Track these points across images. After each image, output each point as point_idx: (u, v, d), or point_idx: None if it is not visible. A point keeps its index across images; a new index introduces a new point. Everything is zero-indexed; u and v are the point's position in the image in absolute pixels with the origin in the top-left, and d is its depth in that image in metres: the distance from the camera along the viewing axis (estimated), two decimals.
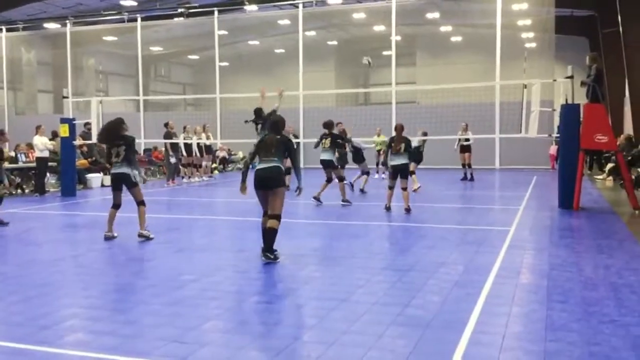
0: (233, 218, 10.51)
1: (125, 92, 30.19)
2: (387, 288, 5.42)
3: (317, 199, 11.54)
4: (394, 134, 10.66)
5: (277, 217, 6.47)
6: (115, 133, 8.14)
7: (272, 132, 6.81)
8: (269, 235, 6.46)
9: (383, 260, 6.82)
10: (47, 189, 14.98)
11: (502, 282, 5.52)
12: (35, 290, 5.54)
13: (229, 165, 24.10)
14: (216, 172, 22.06)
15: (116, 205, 8.16)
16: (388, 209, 10.51)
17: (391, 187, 10.55)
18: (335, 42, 30.12)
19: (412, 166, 12.40)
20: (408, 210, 10.29)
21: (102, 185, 16.52)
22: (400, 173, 10.41)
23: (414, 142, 12.94)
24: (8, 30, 24.62)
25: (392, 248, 7.75)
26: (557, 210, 10.55)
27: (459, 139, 16.72)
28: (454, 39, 27.27)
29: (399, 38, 24.03)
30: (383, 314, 4.56)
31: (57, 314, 4.77)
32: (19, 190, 15.21)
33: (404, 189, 10.46)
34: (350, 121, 21.28)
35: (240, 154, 24.34)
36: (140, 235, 7.96)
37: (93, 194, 14.92)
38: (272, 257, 6.44)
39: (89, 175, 16.51)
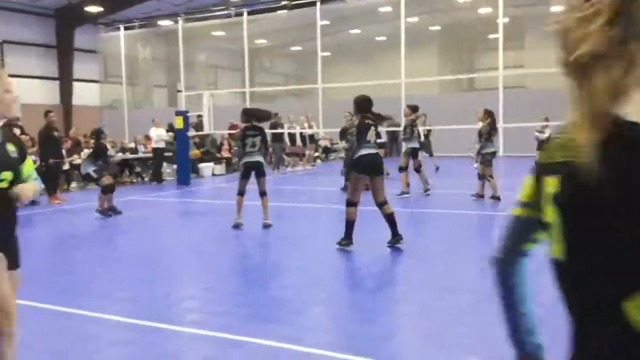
0: (335, 207, 10.67)
1: (233, 84, 31.37)
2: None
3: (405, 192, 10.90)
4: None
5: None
6: (259, 121, 8.52)
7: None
8: (392, 220, 6.52)
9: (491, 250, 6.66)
10: (164, 178, 15.99)
11: None
12: (158, 272, 5.99)
13: (331, 155, 24.41)
14: (319, 161, 22.44)
15: (241, 193, 8.38)
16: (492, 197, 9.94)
17: (492, 177, 10.06)
18: (438, 28, 29.47)
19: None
20: (496, 198, 9.83)
21: (213, 174, 17.38)
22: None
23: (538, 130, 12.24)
24: (126, 28, 26.32)
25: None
26: None
27: (537, 131, 16.01)
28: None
29: (506, 20, 23.06)
30: (495, 307, 4.48)
31: (178, 294, 5.14)
32: (139, 179, 16.36)
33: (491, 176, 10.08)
34: (453, 108, 20.81)
35: (342, 144, 24.58)
36: (265, 225, 8.19)
37: (205, 182, 15.73)
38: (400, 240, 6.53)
39: (201, 165, 17.40)
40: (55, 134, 11.79)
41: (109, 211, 9.86)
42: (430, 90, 25.24)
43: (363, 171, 6.49)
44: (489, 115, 10.31)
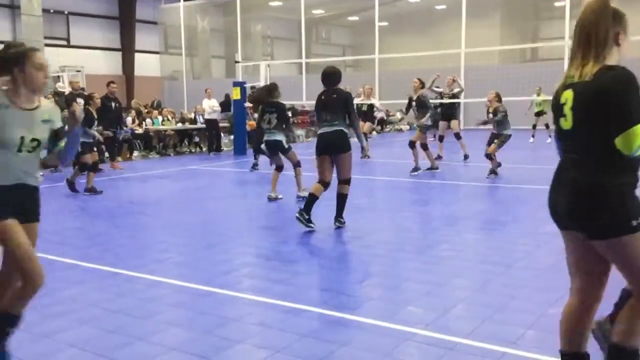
0: (388, 178, 10.57)
1: (289, 55, 31.35)
2: (556, 256, 5.14)
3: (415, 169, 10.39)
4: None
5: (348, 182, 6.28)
6: (265, 98, 8.35)
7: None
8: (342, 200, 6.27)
9: (549, 225, 6.46)
10: (222, 148, 16.23)
11: None
12: (216, 239, 6.11)
13: (387, 126, 24.16)
14: (374, 132, 22.24)
15: (279, 167, 8.35)
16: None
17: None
18: None
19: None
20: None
21: None
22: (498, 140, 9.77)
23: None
24: (185, 0, 26.62)
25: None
26: None
27: None
28: None
29: None
30: (553, 281, 4.35)
31: (236, 261, 5.23)
32: (198, 149, 16.68)
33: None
34: (514, 79, 20.10)
35: (399, 115, 24.24)
36: (299, 197, 8.04)
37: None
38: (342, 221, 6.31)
39: None
40: (113, 104, 12.03)
41: (88, 191, 9.12)
42: (491, 61, 24.46)
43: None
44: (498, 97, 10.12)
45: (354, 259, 5.24)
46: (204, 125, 16.24)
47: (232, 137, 16.32)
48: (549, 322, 3.59)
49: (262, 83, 15.38)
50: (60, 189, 9.51)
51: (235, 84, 15.55)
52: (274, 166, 8.51)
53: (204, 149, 16.49)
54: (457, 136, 12.34)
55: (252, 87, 17.96)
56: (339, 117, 6.15)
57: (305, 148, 16.93)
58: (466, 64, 22.71)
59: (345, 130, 6.18)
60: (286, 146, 8.26)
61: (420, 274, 4.74)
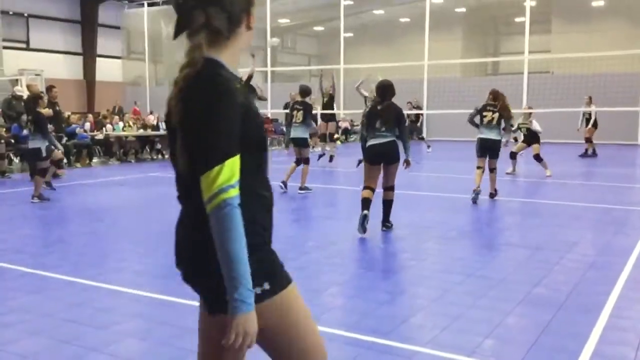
0: (352, 188, 10.60)
1: (255, 63, 31.28)
2: (516, 265, 5.25)
3: (284, 184, 9.59)
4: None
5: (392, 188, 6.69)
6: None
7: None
8: (387, 206, 6.66)
9: (511, 237, 6.60)
10: None
11: None
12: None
13: (352, 136, 24.30)
14: (339, 142, 22.33)
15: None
16: (476, 194, 8.42)
17: (479, 167, 8.66)
18: (463, 9, 28.99)
19: (535, 149, 11.60)
20: (493, 195, 8.68)
21: None
22: (490, 152, 8.60)
23: (520, 119, 11.95)
24: (149, 4, 26.32)
25: (516, 225, 7.45)
26: None
27: (583, 114, 15.69)
28: (595, 3, 25.17)
29: (533, 3, 22.59)
30: (512, 292, 4.43)
31: None
32: (160, 156, 16.45)
33: (492, 170, 8.64)
34: (476, 92, 20.53)
35: None
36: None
37: None
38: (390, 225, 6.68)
39: None
40: (56, 109, 11.64)
41: (47, 186, 9.61)
42: (454, 74, 24.91)
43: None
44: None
45: (315, 268, 5.23)
46: (166, 132, 15.99)
47: None
48: (507, 331, 3.65)
49: None
50: (17, 195, 9.24)
51: None
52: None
53: (167, 156, 16.26)
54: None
55: None
56: (393, 128, 6.44)
57: (277, 156, 16.87)
58: (429, 76, 23.08)
59: (397, 142, 6.51)
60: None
61: (380, 282, 4.77)
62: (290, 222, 7.36)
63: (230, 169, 1.53)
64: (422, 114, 21.54)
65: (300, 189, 9.51)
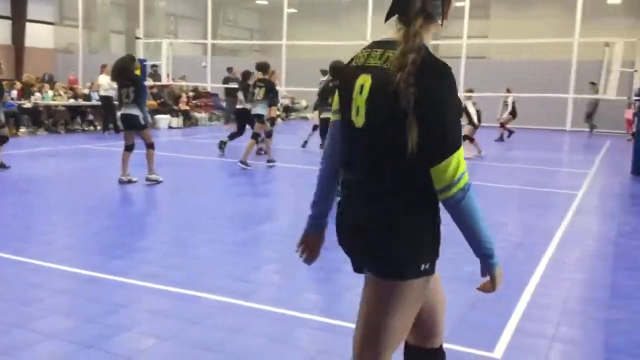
0: (294, 166, 10.61)
1: (194, 35, 30.49)
2: (446, 244, 5.39)
3: (244, 163, 9.57)
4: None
5: None
6: (125, 72, 7.92)
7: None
8: None
9: (444, 218, 6.77)
10: (120, 127, 15.45)
11: (566, 247, 5.39)
12: (109, 222, 5.84)
13: (292, 114, 24.19)
14: (279, 119, 22.21)
15: (128, 147, 7.94)
16: None
17: None
18: None
19: (467, 130, 11.90)
20: None
21: (170, 127, 17.02)
22: None
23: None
24: None
25: None
26: (629, 177, 10.11)
27: (503, 102, 16.25)
28: None
29: None
30: (442, 269, 4.54)
31: (130, 246, 5.03)
32: (92, 127, 15.85)
33: None
34: None
35: (304, 102, 24.35)
36: (147, 179, 7.83)
37: (161, 134, 15.35)
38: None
39: (157, 116, 16.96)
40: None
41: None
42: None
43: None
44: None
45: (253, 244, 5.20)
46: (99, 103, 15.42)
47: None
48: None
49: (163, 62, 14.85)
50: None
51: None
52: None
53: (99, 128, 15.70)
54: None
55: (154, 66, 17.33)
56: None
57: (216, 131, 16.60)
58: None
59: None
60: (142, 122, 7.92)
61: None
62: (238, 197, 7.29)
63: (461, 154, 1.69)
64: None
65: (241, 162, 9.47)
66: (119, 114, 8.16)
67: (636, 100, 12.58)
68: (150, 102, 16.93)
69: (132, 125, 7.91)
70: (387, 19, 1.77)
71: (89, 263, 4.43)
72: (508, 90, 16.30)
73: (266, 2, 32.84)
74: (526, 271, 4.54)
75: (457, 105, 1.70)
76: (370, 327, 1.90)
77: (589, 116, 19.29)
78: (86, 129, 15.75)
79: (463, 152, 1.69)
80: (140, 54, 15.57)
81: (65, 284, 4.04)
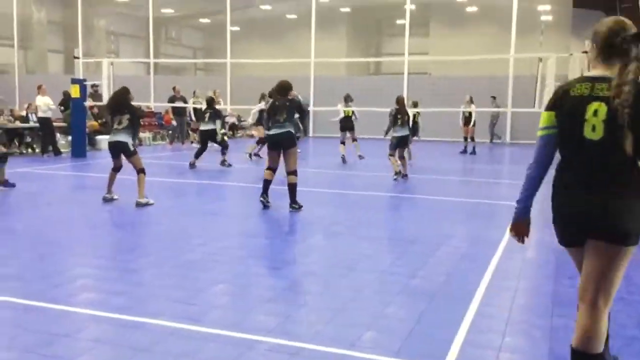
0: (241, 184, 10.53)
1: (136, 54, 29.99)
2: (394, 258, 5.45)
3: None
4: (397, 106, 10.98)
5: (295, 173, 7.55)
6: (122, 102, 8.16)
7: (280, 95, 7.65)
8: (292, 189, 7.54)
9: (388, 231, 6.85)
10: (60, 150, 14.96)
11: (510, 256, 5.53)
12: (46, 249, 5.61)
13: (239, 132, 24.04)
14: (225, 138, 22.01)
15: (116, 169, 8.21)
16: (398, 173, 10.75)
17: (392, 155, 10.90)
18: (348, 9, 29.66)
19: None
20: (405, 176, 10.89)
21: None
22: (402, 144, 11.05)
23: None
24: None
25: (397, 219, 7.76)
26: None
27: (463, 113, 16.62)
28: (469, 9, 26.81)
29: (413, 7, 23.63)
30: (390, 284, 4.59)
31: (69, 272, 4.84)
32: (29, 150, 15.28)
33: (403, 157, 11.07)
34: (360, 91, 21.09)
35: (250, 120, 24.27)
36: (137, 204, 7.77)
37: (103, 155, 14.91)
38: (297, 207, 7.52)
39: (99, 137, 16.51)
40: None
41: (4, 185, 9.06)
42: (339, 72, 25.42)
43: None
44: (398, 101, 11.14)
45: (199, 266, 5.10)
46: (37, 124, 14.91)
47: (69, 138, 15.18)
48: (386, 323, 3.77)
49: (104, 82, 14.49)
50: None
51: (74, 81, 14.52)
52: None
53: (37, 150, 15.15)
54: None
55: (94, 85, 16.89)
56: (291, 119, 7.60)
57: (152, 151, 16.29)
58: (315, 74, 23.41)
59: (293, 131, 7.61)
60: (132, 149, 8.05)
61: (265, 279, 4.74)
62: (179, 218, 7.14)
63: None
64: (308, 111, 21.78)
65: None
66: (108, 141, 8.30)
67: None
68: (91, 123, 16.50)
69: (121, 152, 8.08)
70: (604, 59, 2.53)
71: (27, 291, 4.24)
72: (471, 100, 16.54)
73: (209, 21, 32.70)
74: (472, 282, 4.62)
75: None
76: (604, 279, 2.57)
77: (492, 127, 20.54)
78: (24, 151, 15.16)
79: None
80: (79, 73, 15.14)
81: (1, 314, 3.84)
